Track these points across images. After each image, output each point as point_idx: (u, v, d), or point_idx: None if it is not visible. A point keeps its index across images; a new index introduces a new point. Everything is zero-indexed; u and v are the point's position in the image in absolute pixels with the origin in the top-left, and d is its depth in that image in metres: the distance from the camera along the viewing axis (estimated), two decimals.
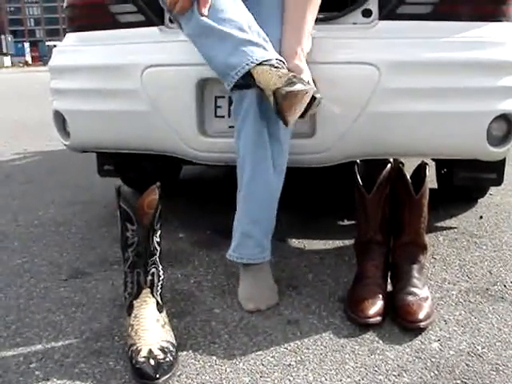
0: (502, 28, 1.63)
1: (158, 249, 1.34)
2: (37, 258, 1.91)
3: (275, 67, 1.34)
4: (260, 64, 1.34)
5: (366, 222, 1.53)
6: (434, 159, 2.15)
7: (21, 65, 49.34)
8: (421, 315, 1.37)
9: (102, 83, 1.81)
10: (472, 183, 2.13)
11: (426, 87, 1.59)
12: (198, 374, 1.21)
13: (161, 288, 1.35)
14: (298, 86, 1.30)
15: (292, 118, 1.35)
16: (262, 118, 1.45)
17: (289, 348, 1.31)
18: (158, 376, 1.17)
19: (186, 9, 1.41)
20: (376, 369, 1.22)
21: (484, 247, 1.91)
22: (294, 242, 1.98)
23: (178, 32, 1.70)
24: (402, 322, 1.38)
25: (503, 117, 1.63)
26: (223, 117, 1.71)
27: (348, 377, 1.19)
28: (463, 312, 1.46)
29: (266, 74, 1.33)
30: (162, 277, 1.36)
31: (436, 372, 1.20)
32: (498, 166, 1.92)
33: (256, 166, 1.48)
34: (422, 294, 1.44)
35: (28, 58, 58.98)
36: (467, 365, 1.23)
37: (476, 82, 1.59)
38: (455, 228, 2.10)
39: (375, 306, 1.40)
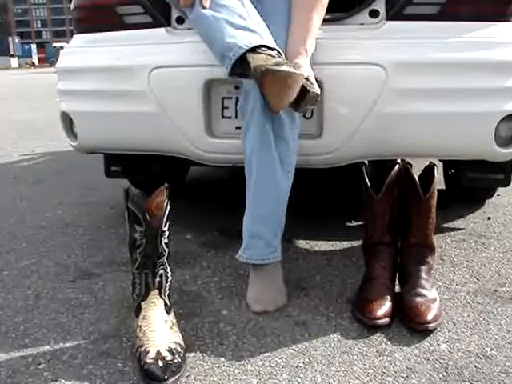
0: (510, 28, 1.62)
1: (167, 250, 1.34)
2: (45, 258, 1.91)
3: (272, 56, 1.35)
4: (257, 52, 1.35)
5: (374, 223, 1.52)
6: (441, 160, 2.14)
7: (27, 66, 49.49)
8: (429, 316, 1.36)
9: (109, 84, 1.82)
10: (480, 184, 2.11)
11: (433, 88, 1.58)
12: (206, 376, 1.21)
13: (169, 289, 1.35)
14: (282, 68, 1.30)
15: (276, 101, 1.36)
16: (267, 118, 1.45)
17: (297, 349, 1.31)
18: (166, 377, 1.17)
19: (189, 4, 1.47)
20: (384, 370, 1.21)
21: (492, 248, 1.90)
22: (302, 243, 1.97)
23: (184, 33, 1.71)
24: (410, 323, 1.37)
25: (511, 117, 1.62)
26: (230, 118, 1.71)
27: (356, 378, 1.19)
28: (472, 313, 1.45)
29: (260, 61, 1.33)
30: (170, 278, 1.36)
31: (445, 374, 1.20)
32: (506, 167, 1.91)
33: (263, 166, 1.48)
34: (431, 295, 1.43)
35: (35, 60, 59.17)
36: (476, 366, 1.22)
37: (483, 83, 1.58)
38: (463, 229, 2.10)
39: (383, 308, 1.40)
